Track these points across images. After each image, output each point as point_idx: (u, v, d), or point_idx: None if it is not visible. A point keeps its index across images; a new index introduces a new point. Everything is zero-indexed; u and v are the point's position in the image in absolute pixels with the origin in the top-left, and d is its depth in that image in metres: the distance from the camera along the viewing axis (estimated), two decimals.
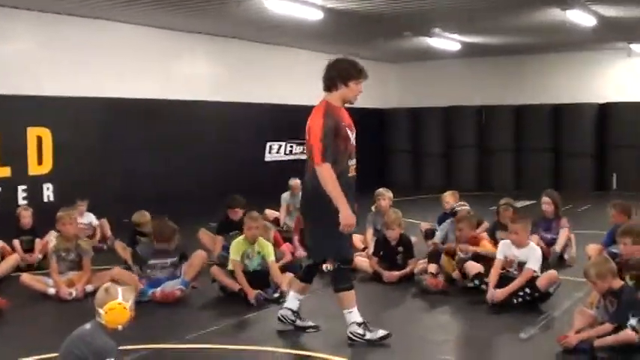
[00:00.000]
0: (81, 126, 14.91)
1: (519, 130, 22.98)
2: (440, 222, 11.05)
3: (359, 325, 6.85)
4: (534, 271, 8.17)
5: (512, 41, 19.97)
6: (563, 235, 10.96)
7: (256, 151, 19.58)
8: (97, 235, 12.46)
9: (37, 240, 11.19)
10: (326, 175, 6.55)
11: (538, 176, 21.87)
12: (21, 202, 13.46)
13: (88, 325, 5.16)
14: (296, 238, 11.23)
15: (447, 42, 19.30)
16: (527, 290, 8.10)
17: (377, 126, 23.85)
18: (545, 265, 8.84)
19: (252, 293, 8.51)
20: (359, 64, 6.91)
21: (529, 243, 8.47)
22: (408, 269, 9.64)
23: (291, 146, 20.60)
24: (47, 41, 14.43)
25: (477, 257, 8.98)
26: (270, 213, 13.16)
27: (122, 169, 15.59)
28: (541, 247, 9.01)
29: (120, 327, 5.13)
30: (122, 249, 10.73)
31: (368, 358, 6.60)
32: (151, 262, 8.89)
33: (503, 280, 8.23)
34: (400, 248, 9.83)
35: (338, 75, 6.82)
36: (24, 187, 13.85)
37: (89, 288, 8.80)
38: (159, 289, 8.68)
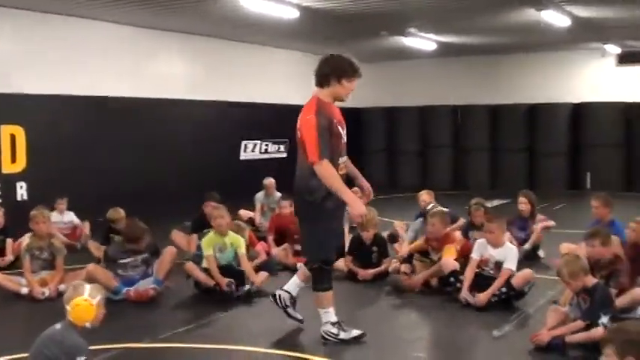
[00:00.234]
0: (55, 124, 14.82)
1: (494, 130, 23.10)
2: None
3: (333, 324, 6.83)
4: (512, 271, 8.20)
5: (488, 41, 20.05)
6: (538, 230, 11.04)
7: (231, 150, 19.54)
8: (77, 234, 12.38)
9: (9, 240, 11.06)
10: (326, 171, 6.44)
11: (513, 175, 22.02)
12: None
13: (58, 325, 5.12)
14: (270, 238, 11.22)
15: (422, 42, 19.34)
16: (504, 289, 8.12)
17: (353, 125, 23.55)
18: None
19: (223, 281, 8.57)
20: (355, 63, 6.80)
21: (505, 242, 8.50)
22: (382, 267, 9.65)
23: (267, 145, 20.58)
24: (22, 39, 14.33)
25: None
26: (244, 213, 13.12)
27: (97, 167, 15.47)
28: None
29: (88, 324, 5.10)
30: (95, 248, 10.69)
31: (342, 357, 6.57)
32: (122, 261, 8.83)
33: (480, 280, 8.26)
34: (375, 248, 9.84)
35: (332, 72, 6.68)
36: None
37: (62, 287, 8.69)
38: (132, 288, 8.64)
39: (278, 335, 7.23)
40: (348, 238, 10.43)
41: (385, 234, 11.07)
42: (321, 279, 6.89)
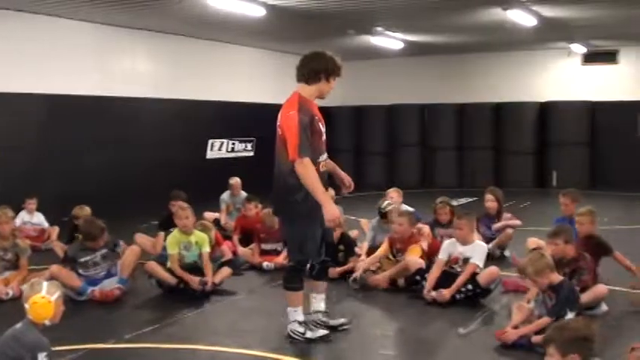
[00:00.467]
0: (18, 123, 14.62)
1: (462, 129, 23.23)
2: None
3: (300, 323, 6.81)
4: (478, 267, 8.22)
5: (455, 40, 20.13)
6: (503, 229, 11.08)
7: (198, 149, 19.45)
8: (45, 237, 12.23)
9: None
10: (306, 170, 6.38)
11: (480, 174, 22.13)
12: None
13: (19, 325, 5.10)
14: (235, 237, 11.19)
15: (389, 40, 19.37)
16: (470, 287, 8.16)
17: None
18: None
19: (195, 279, 8.54)
20: (339, 61, 6.78)
21: (474, 240, 8.53)
22: (348, 265, 9.64)
23: (233, 144, 20.50)
24: None
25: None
26: (209, 216, 12.92)
27: (60, 167, 15.29)
28: None
29: (48, 322, 5.06)
30: (60, 248, 10.57)
31: (310, 356, 6.54)
32: (81, 259, 8.73)
33: (448, 277, 8.28)
34: (341, 246, 9.82)
35: (323, 69, 6.67)
36: None
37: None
38: (97, 287, 8.56)
39: (245, 334, 7.19)
40: None
41: (364, 225, 11.14)
42: (292, 278, 6.87)
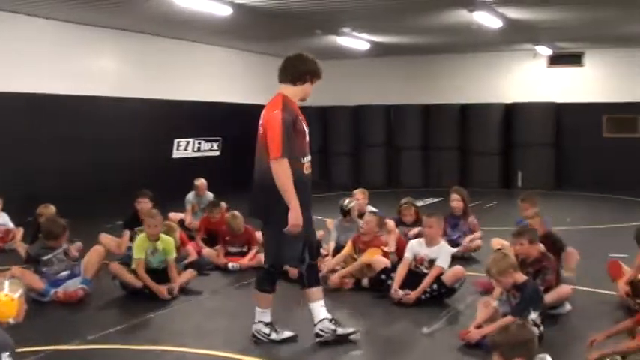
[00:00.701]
0: None
1: (428, 129, 23.34)
2: None
3: (266, 324, 6.78)
4: (443, 269, 8.25)
5: (421, 41, 20.20)
6: (474, 238, 11.09)
7: (164, 148, 19.35)
8: (9, 238, 12.09)
9: None
10: (281, 170, 6.30)
11: (446, 174, 22.26)
12: None
13: None
14: (198, 238, 11.17)
15: (356, 41, 19.40)
16: (435, 286, 8.20)
17: None
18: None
19: (163, 289, 8.47)
20: (320, 64, 6.81)
21: (440, 241, 8.56)
22: None
23: (199, 143, 20.41)
24: None
25: None
26: (174, 216, 12.77)
27: (24, 166, 15.15)
28: None
29: (12, 320, 4.98)
30: (23, 249, 10.46)
31: (275, 357, 6.52)
32: (44, 257, 8.63)
33: (414, 277, 8.31)
34: None
35: (309, 71, 6.69)
36: None
37: None
38: (61, 288, 8.47)
39: (210, 335, 7.17)
40: None
41: (330, 225, 11.12)
42: (264, 280, 6.85)
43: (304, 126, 6.65)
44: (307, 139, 6.69)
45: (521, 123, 22.16)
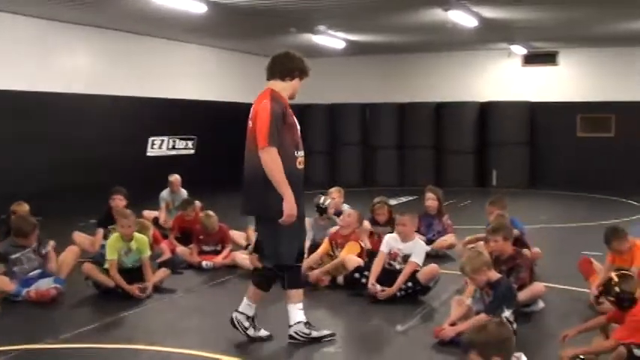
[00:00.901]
0: None
1: (403, 128, 23.41)
2: None
3: (247, 318, 6.73)
4: (418, 265, 8.26)
5: (396, 40, 20.24)
6: (448, 238, 11.10)
7: (138, 146, 19.26)
8: None
9: None
10: (270, 159, 6.23)
11: (421, 173, 22.31)
12: None
13: None
14: (172, 236, 11.12)
15: (331, 40, 19.40)
16: (410, 284, 8.21)
17: None
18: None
19: (135, 289, 8.40)
20: (308, 62, 6.84)
21: (415, 237, 8.58)
22: None
23: (174, 141, 20.32)
24: None
25: None
26: (148, 214, 12.71)
27: None
28: None
29: None
30: None
31: (252, 355, 6.50)
32: (13, 256, 8.55)
33: (389, 274, 8.32)
34: None
35: (297, 68, 6.71)
36: None
37: None
38: (32, 287, 8.37)
39: (183, 333, 7.13)
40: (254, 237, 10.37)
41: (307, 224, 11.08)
42: (261, 284, 6.79)
43: (294, 119, 6.60)
44: (299, 132, 6.66)
45: (495, 122, 22.29)
